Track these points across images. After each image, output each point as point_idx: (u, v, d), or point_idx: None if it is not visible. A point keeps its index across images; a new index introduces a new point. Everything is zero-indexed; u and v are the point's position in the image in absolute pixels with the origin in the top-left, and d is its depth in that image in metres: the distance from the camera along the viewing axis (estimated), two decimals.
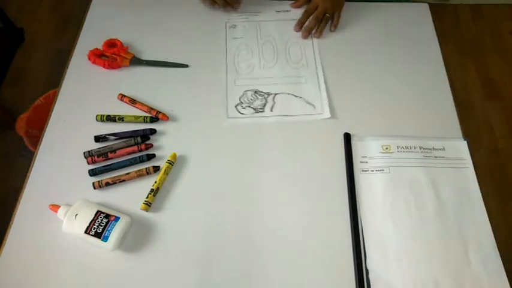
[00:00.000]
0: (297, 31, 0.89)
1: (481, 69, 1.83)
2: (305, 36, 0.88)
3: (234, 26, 0.90)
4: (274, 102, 0.79)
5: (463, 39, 1.93)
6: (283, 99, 0.79)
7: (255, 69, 0.84)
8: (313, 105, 0.78)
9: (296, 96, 0.80)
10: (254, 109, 0.77)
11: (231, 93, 0.80)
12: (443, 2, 2.03)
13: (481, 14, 2.02)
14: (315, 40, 0.88)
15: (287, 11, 0.93)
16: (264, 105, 0.78)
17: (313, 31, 0.89)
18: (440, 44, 0.87)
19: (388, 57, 0.85)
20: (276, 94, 0.80)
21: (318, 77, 0.82)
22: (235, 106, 0.78)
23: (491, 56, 1.87)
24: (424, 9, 0.93)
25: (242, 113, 0.77)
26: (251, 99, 0.78)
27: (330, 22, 0.89)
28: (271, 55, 0.86)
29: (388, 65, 0.84)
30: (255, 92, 0.80)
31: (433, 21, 0.91)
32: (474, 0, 2.04)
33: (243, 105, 0.78)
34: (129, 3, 0.93)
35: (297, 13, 0.91)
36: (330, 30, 0.89)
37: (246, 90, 0.80)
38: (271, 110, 0.78)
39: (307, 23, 0.89)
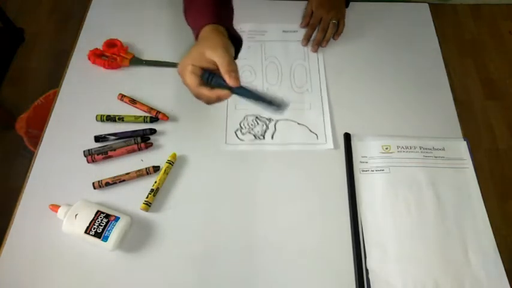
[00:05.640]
0: (304, 45, 0.87)
1: (481, 69, 1.83)
2: (315, 50, 0.86)
3: None
4: (275, 129, 0.76)
5: (463, 39, 1.93)
6: (285, 126, 0.76)
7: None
8: (316, 134, 0.75)
9: (299, 124, 0.76)
10: (254, 135, 0.75)
11: (231, 119, 0.76)
12: (443, 2, 2.03)
13: (481, 14, 2.02)
14: (320, 56, 0.86)
15: (294, 31, 0.89)
16: (265, 131, 0.75)
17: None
18: (440, 44, 0.87)
19: (388, 57, 0.85)
20: (278, 120, 0.77)
21: (322, 104, 0.78)
22: (235, 132, 0.75)
23: (491, 56, 1.88)
24: (424, 9, 0.93)
25: (241, 139, 0.74)
26: (251, 125, 0.75)
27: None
28: (275, 78, 0.82)
29: (388, 64, 0.84)
30: (256, 117, 0.77)
31: (433, 21, 0.91)
32: (474, 0, 2.04)
33: (243, 131, 0.75)
34: (129, 3, 0.93)
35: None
36: (333, 39, 0.88)
37: (246, 115, 0.77)
38: (272, 138, 0.74)
39: (313, 37, 0.88)
